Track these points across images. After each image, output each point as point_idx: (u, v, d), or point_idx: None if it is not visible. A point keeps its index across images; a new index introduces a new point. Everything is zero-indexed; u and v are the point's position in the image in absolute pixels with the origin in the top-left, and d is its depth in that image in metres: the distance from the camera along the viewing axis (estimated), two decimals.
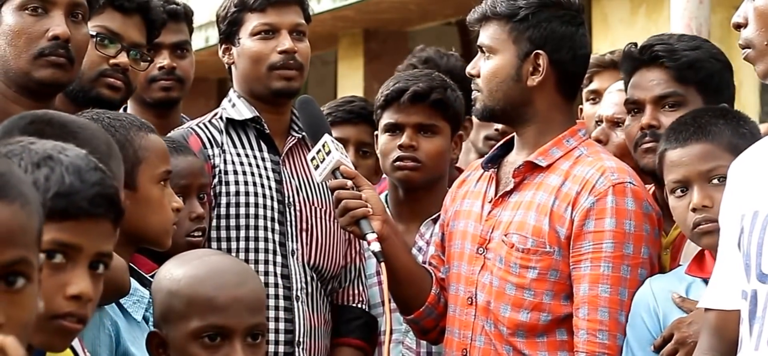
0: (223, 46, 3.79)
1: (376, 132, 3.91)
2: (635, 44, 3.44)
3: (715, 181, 3.04)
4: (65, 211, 2.01)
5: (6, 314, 1.62)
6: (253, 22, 3.71)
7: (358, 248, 3.84)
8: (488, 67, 3.32)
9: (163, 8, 3.87)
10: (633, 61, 3.42)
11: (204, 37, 12.46)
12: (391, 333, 3.35)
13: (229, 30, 3.75)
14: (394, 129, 3.81)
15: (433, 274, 3.53)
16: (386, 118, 3.82)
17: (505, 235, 3.28)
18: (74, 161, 2.06)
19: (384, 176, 4.09)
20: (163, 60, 4.01)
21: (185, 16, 4.18)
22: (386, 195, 3.98)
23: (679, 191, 3.10)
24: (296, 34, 3.72)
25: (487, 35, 3.33)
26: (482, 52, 3.35)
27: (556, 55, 3.29)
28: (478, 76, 3.34)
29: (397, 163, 3.79)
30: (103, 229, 2.08)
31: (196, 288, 2.51)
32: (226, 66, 3.82)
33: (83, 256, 2.04)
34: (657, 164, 3.18)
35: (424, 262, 3.63)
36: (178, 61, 4.08)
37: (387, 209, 3.90)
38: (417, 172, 3.79)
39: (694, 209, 3.04)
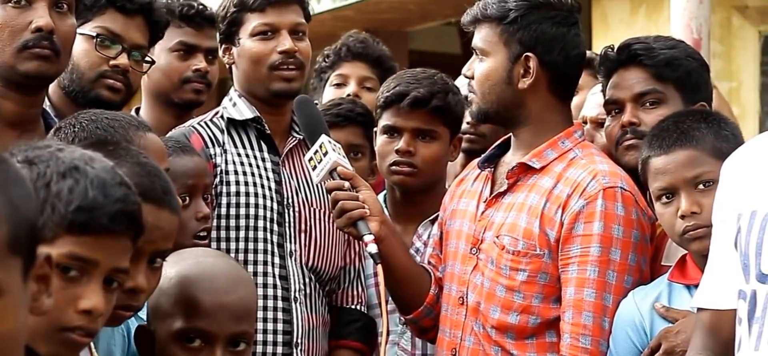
0: (223, 46, 3.78)
1: (375, 129, 3.90)
2: (612, 47, 3.45)
3: (701, 186, 3.05)
4: (85, 225, 2.01)
5: None
6: (252, 22, 3.70)
7: (357, 250, 3.83)
8: (481, 69, 3.33)
9: (201, 13, 3.87)
10: (611, 62, 3.44)
11: None
12: (387, 334, 3.35)
13: (229, 30, 3.74)
14: (392, 132, 3.79)
15: (431, 274, 3.54)
16: (385, 119, 3.81)
17: (497, 236, 3.29)
18: (100, 175, 2.05)
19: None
20: (199, 63, 4.02)
21: (215, 20, 4.20)
22: (385, 195, 3.98)
23: (665, 197, 3.10)
24: (296, 33, 3.71)
25: (479, 37, 3.34)
26: (476, 54, 3.35)
27: (548, 57, 3.28)
28: (472, 78, 3.35)
29: (394, 167, 3.78)
30: (121, 245, 2.09)
31: (183, 290, 2.51)
32: (227, 66, 3.81)
33: (99, 271, 2.04)
34: (640, 170, 3.18)
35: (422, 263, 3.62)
36: (210, 67, 4.09)
37: (385, 210, 3.90)
38: (413, 177, 3.77)
39: (682, 216, 3.04)
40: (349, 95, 4.46)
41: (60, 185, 2.00)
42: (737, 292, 2.49)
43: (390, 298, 3.55)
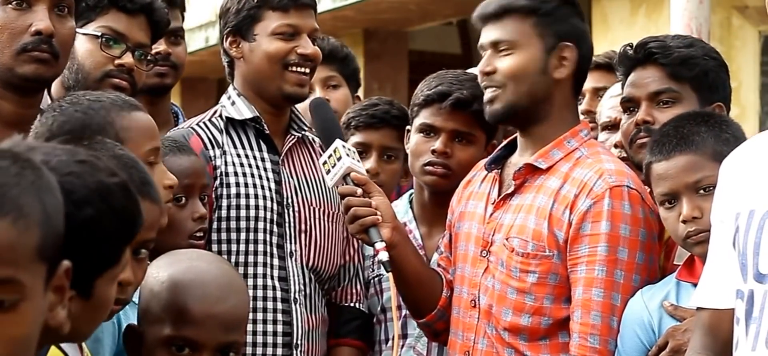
0: (231, 39, 3.69)
1: (408, 127, 3.85)
2: (631, 45, 3.46)
3: (702, 191, 3.05)
4: None
5: None
6: (274, 21, 3.63)
7: (356, 247, 3.81)
8: (511, 61, 3.29)
9: None
10: (629, 60, 3.44)
11: (204, 37, 12.46)
12: (399, 338, 3.33)
13: (242, 24, 3.67)
14: (429, 131, 3.74)
15: (443, 277, 3.53)
16: (422, 117, 3.75)
17: (507, 239, 3.28)
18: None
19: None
20: (159, 46, 3.98)
21: (180, 3, 4.18)
22: (410, 196, 3.95)
23: (667, 203, 3.11)
24: (313, 39, 3.68)
25: (505, 31, 3.30)
26: (495, 48, 3.33)
27: (581, 50, 3.32)
28: (494, 72, 3.32)
29: (428, 167, 3.72)
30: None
31: (174, 296, 2.49)
32: (227, 59, 3.76)
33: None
34: (644, 175, 3.19)
35: None
36: (173, 48, 4.07)
37: (410, 211, 3.87)
38: (447, 180, 3.71)
39: (684, 221, 3.05)
40: None
41: None
42: (735, 292, 2.49)
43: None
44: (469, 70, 3.90)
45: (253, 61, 3.67)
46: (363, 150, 4.02)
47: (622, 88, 3.48)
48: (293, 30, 3.64)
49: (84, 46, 3.43)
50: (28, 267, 1.62)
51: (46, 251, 1.64)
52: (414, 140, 3.77)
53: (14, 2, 3.00)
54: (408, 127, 3.85)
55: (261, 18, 3.64)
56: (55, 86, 3.46)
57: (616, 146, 3.71)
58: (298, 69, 3.63)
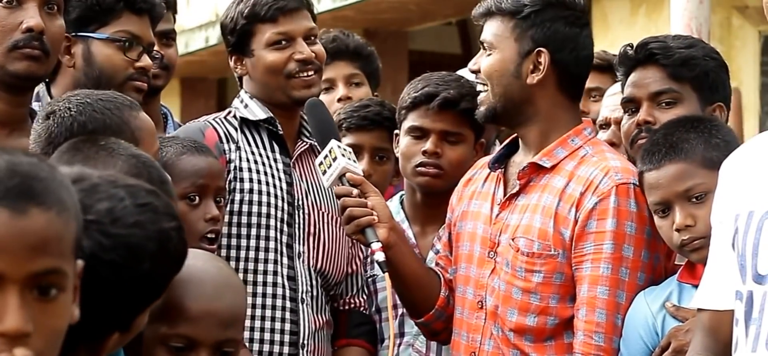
0: (234, 58, 3.72)
1: (396, 131, 3.86)
2: (631, 45, 3.46)
3: (694, 199, 3.06)
4: None
5: (36, 323, 1.61)
6: (266, 33, 3.64)
7: (362, 257, 3.83)
8: (488, 62, 3.31)
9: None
10: (629, 60, 3.44)
11: (204, 37, 12.43)
12: (395, 338, 3.32)
13: (239, 42, 3.69)
14: (418, 133, 3.75)
15: (441, 276, 3.53)
16: (411, 120, 3.76)
17: (512, 239, 3.28)
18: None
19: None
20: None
21: (173, 4, 4.19)
22: (401, 196, 3.96)
23: (660, 211, 3.12)
24: (309, 38, 3.68)
25: (489, 31, 3.33)
26: (483, 48, 3.35)
27: (559, 55, 3.28)
28: (478, 71, 3.34)
29: (420, 168, 3.74)
30: None
31: (170, 294, 2.46)
32: (237, 75, 3.77)
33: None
34: (638, 183, 3.19)
35: None
36: (165, 50, 4.07)
37: (401, 212, 3.87)
38: (439, 179, 3.73)
39: (677, 230, 3.06)
40: (340, 99, 4.44)
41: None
42: (734, 293, 2.49)
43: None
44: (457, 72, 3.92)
45: (257, 76, 3.69)
46: (355, 151, 4.02)
47: (623, 88, 3.48)
48: (286, 37, 3.64)
49: (102, 52, 3.40)
50: (69, 259, 1.66)
51: (78, 247, 1.68)
52: (403, 142, 3.78)
53: (4, 1, 3.01)
54: (396, 131, 3.86)
55: (254, 33, 3.66)
56: (63, 90, 3.44)
57: None
58: (302, 75, 3.63)
